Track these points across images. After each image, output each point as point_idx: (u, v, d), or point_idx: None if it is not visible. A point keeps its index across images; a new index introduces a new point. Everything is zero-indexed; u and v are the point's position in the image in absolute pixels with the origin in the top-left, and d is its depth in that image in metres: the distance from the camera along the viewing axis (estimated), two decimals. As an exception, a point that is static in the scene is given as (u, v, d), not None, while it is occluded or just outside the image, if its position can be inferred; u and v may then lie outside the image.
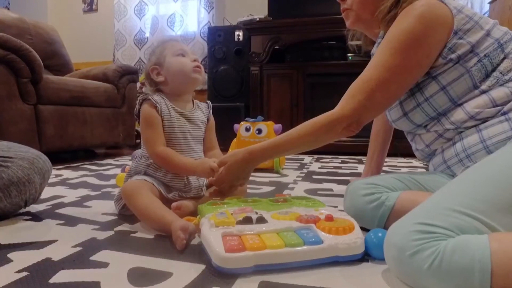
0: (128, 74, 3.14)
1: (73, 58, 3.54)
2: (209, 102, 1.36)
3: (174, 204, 1.08)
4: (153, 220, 1.01)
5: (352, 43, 1.38)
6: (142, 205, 1.04)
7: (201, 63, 1.24)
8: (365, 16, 1.15)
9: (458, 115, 0.98)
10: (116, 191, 1.49)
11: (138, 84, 3.46)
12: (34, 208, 1.27)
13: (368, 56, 1.23)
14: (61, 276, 0.73)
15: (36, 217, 1.17)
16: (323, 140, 1.06)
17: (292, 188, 1.67)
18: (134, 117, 1.24)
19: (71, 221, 1.13)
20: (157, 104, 1.18)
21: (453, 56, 0.96)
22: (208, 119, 1.32)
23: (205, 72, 3.69)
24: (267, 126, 2.23)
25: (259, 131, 2.22)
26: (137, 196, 1.06)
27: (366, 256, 0.81)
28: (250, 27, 3.38)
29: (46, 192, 1.46)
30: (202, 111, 1.31)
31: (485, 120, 0.94)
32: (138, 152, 1.23)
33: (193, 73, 1.22)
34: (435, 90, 1.00)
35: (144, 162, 1.20)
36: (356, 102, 0.99)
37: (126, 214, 1.17)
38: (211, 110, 1.35)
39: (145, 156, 1.21)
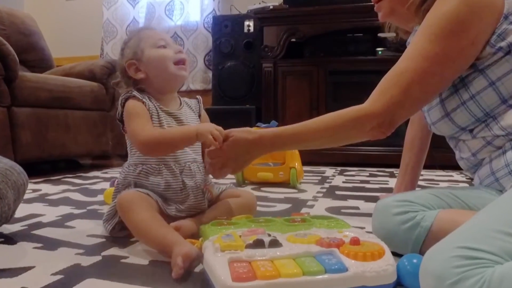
0: (118, 71, 3.16)
1: (54, 52, 3.59)
2: (199, 97, 1.39)
3: (172, 224, 1.08)
4: (153, 239, 1.03)
5: (387, 34, 1.38)
6: (141, 221, 1.05)
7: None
8: (399, 8, 1.16)
9: (510, 118, 0.97)
10: (104, 208, 1.51)
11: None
12: (6, 228, 1.28)
13: (403, 50, 1.24)
14: (40, 308, 0.75)
15: (9, 239, 1.19)
16: (346, 137, 1.06)
17: (312, 206, 1.67)
18: (117, 122, 1.24)
19: (50, 244, 1.14)
20: (144, 100, 1.20)
21: (503, 44, 0.96)
22: (199, 116, 1.35)
23: (209, 69, 3.71)
24: (281, 133, 2.22)
25: (273, 138, 2.21)
26: (137, 210, 1.07)
27: (398, 286, 0.81)
28: (263, 16, 3.39)
29: (22, 210, 1.47)
30: (191, 109, 1.33)
31: (542, 125, 0.94)
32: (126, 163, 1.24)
33: (178, 70, 1.24)
34: (482, 86, 1.00)
35: (133, 172, 1.21)
36: (388, 98, 1.00)
37: (117, 236, 1.18)
38: (201, 105, 1.37)
39: (133, 165, 1.22)
